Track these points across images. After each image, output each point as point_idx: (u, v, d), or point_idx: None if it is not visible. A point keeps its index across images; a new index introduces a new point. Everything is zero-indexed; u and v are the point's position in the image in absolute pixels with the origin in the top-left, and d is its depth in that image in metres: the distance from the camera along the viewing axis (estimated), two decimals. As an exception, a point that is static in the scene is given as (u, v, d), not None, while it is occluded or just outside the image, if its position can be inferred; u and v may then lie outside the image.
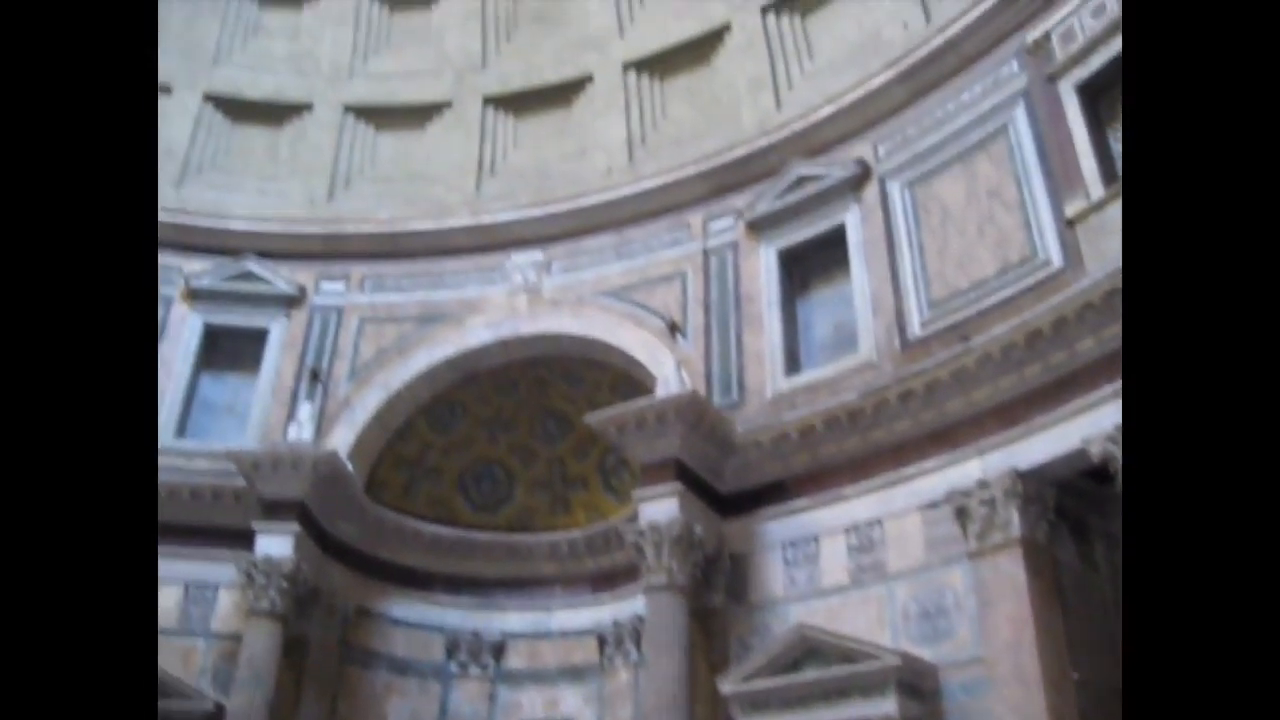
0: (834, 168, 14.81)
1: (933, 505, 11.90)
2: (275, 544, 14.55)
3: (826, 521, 12.85)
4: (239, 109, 18.84)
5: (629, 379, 15.68)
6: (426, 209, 17.99)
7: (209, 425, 16.41)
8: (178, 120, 18.32)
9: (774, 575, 13.11)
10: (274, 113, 18.93)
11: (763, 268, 15.17)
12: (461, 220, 17.65)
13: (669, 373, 14.21)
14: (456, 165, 18.41)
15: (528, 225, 17.28)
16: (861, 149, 14.74)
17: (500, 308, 16.87)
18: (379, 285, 17.52)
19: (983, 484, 11.33)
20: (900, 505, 12.30)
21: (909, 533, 12.10)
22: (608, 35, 18.25)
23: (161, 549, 14.73)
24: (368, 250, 17.70)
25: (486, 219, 17.53)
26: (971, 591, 11.27)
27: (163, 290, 16.85)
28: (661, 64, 17.87)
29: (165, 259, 16.90)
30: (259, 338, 16.99)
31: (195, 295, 17.03)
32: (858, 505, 12.66)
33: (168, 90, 18.29)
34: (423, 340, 16.85)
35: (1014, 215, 12.46)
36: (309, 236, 17.72)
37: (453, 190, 18.22)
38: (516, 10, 19.29)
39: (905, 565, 12.01)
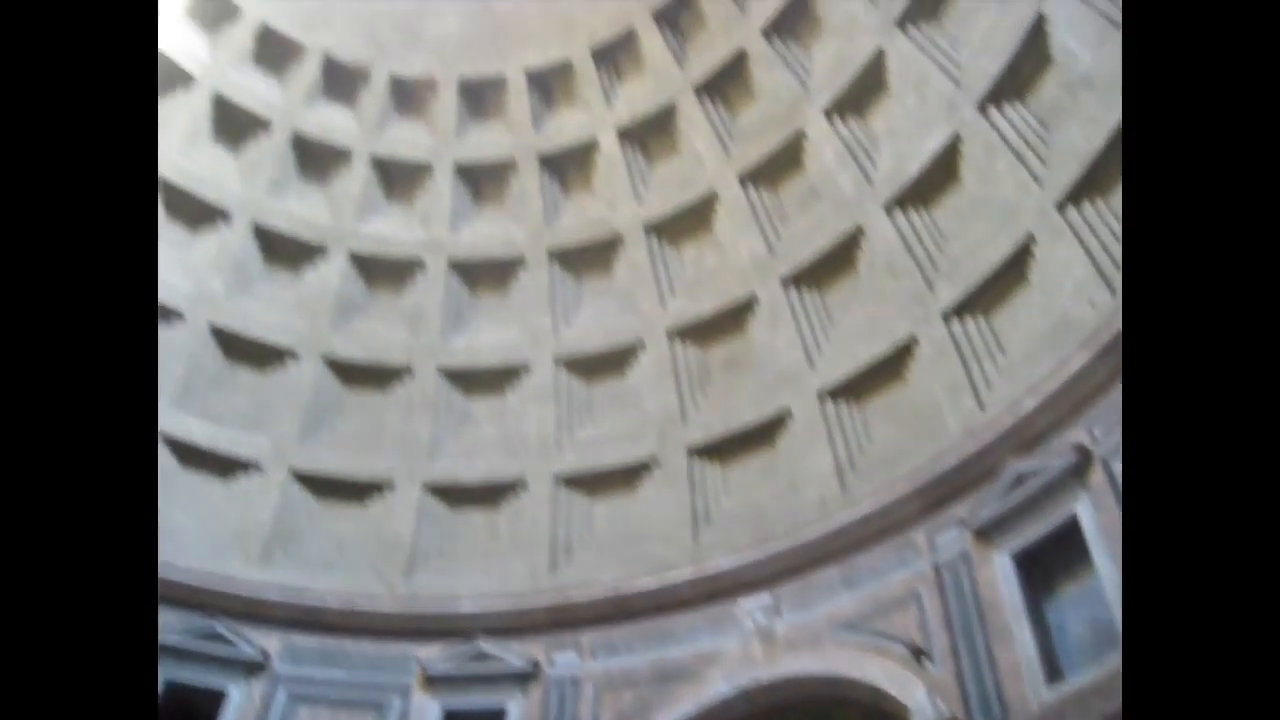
0: (1052, 459, 14.18)
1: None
2: None
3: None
4: (457, 495, 19.61)
5: (880, 712, 14.76)
6: (648, 566, 17.97)
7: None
8: (401, 513, 19.12)
9: None
10: (490, 494, 19.64)
11: (1000, 575, 14.31)
12: (684, 573, 17.49)
13: (922, 701, 13.42)
14: (671, 519, 18.53)
15: (751, 569, 16.98)
16: (1076, 434, 14.14)
17: (735, 657, 16.37)
18: (610, 650, 17.33)
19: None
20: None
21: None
22: (799, 370, 18.53)
23: None
24: (595, 616, 17.64)
25: (709, 568, 17.34)
26: None
27: (399, 679, 17.21)
28: (856, 388, 17.96)
29: (399, 648, 17.44)
30: (498, 717, 16.88)
31: (432, 682, 17.12)
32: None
33: (390, 486, 19.38)
34: (661, 700, 16.38)
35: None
36: (536, 610, 17.83)
37: (671, 544, 18.23)
38: (707, 361, 19.97)
39: None
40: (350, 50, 21.74)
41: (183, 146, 19.89)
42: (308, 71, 21.41)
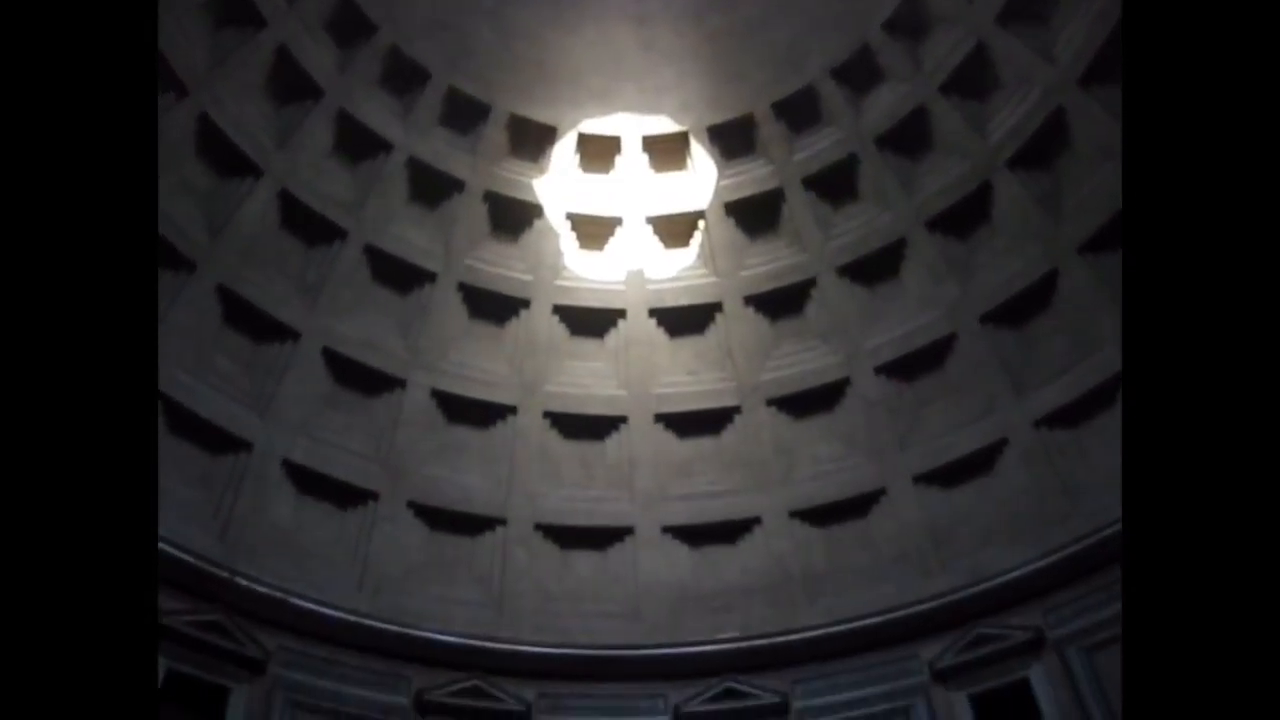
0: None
1: None
2: None
3: None
4: (695, 535, 19.94)
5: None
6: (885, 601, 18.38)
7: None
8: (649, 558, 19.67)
9: None
10: (728, 532, 19.87)
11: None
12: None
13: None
14: (900, 550, 18.98)
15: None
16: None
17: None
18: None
19: None
20: None
21: None
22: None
23: None
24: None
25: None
26: None
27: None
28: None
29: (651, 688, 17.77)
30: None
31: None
32: None
33: (631, 532, 19.95)
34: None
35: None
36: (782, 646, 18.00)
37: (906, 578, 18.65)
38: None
39: None
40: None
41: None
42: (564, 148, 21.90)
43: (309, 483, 18.24)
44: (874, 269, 20.58)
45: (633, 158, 21.70)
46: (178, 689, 14.93)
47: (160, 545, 15.17)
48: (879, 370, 19.93)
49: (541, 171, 21.48)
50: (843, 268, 20.76)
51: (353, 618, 16.97)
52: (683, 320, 21.41)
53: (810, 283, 21.00)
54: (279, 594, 16.42)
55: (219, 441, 17.50)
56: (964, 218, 19.68)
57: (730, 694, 17.45)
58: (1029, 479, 17.35)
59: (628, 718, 17.48)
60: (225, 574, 15.95)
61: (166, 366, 16.81)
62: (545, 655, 17.76)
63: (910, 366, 19.78)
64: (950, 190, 19.78)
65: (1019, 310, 18.65)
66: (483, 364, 20.71)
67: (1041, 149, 18.51)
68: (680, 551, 19.58)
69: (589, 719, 17.31)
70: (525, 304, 21.24)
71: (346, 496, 18.54)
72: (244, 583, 16.10)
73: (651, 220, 21.72)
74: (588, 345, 21.44)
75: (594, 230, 21.70)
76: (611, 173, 21.77)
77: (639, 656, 17.99)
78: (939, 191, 19.93)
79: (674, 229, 21.75)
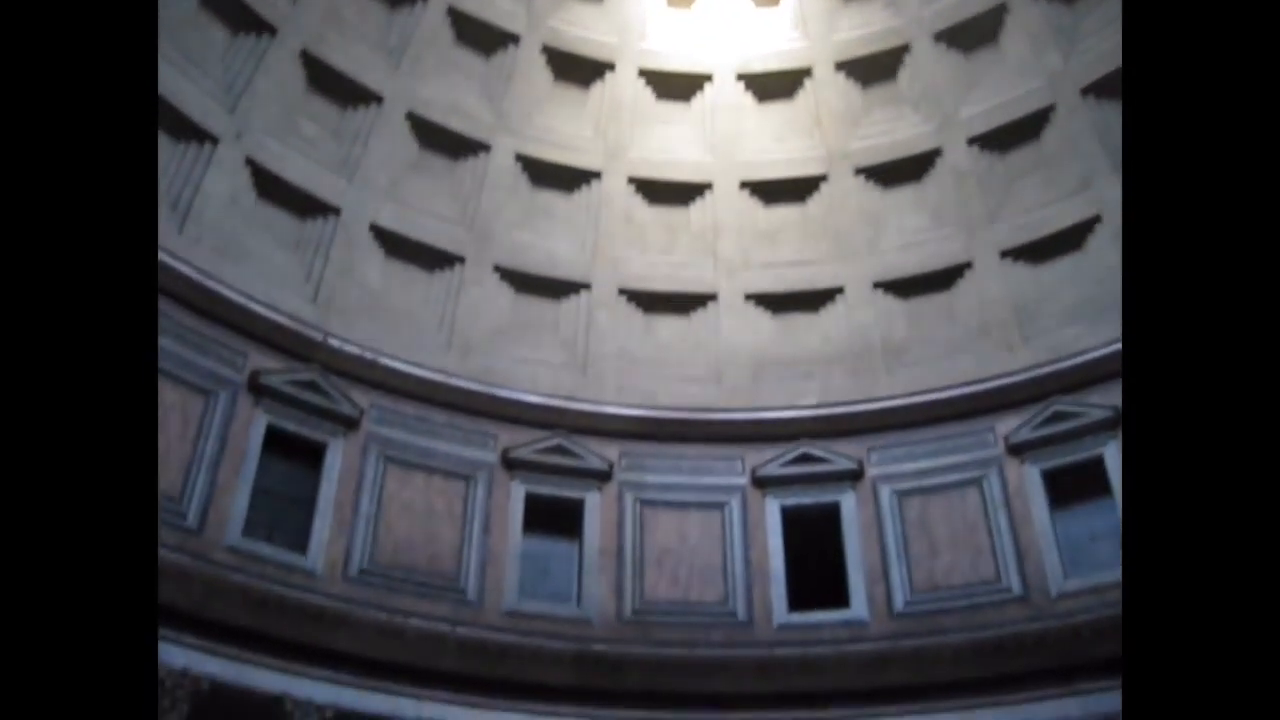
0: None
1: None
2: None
3: None
4: (776, 303, 19.92)
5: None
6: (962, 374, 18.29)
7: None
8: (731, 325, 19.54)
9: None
10: (810, 301, 19.84)
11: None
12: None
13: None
14: (989, 320, 18.57)
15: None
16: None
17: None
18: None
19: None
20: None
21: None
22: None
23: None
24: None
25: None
26: None
27: (732, 480, 18.02)
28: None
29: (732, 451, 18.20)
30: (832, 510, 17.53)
31: (764, 483, 17.93)
32: None
33: (715, 298, 19.96)
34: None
35: None
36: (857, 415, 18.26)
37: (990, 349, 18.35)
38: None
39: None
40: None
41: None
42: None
43: (397, 246, 18.59)
44: (972, 35, 19.71)
45: (721, -87, 20.73)
46: (279, 444, 15.93)
47: (255, 307, 16.05)
48: (972, 141, 19.36)
49: (625, -73, 20.66)
50: (939, 33, 19.87)
51: (441, 377, 17.58)
52: (771, 86, 20.83)
53: (904, 48, 20.23)
54: (370, 354, 17.03)
55: (308, 206, 17.83)
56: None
57: (806, 458, 17.87)
58: (1120, 258, 16.94)
59: (706, 478, 18.01)
60: (318, 335, 16.61)
61: (254, 133, 17.12)
62: (627, 416, 18.26)
63: (1004, 138, 19.18)
64: (1059, -51, 18.65)
65: (1125, 83, 17.76)
66: (567, 128, 20.55)
67: (1166, -99, 17.19)
68: (762, 319, 19.71)
69: (669, 477, 17.93)
70: (610, 67, 20.81)
71: (433, 260, 18.88)
72: (336, 343, 16.76)
73: (740, -19, 20.88)
74: (673, 110, 21.05)
75: (681, -9, 20.96)
76: (699, -73, 20.87)
77: (718, 420, 18.42)
78: (1047, -49, 18.80)
79: (764, -9, 20.92)
